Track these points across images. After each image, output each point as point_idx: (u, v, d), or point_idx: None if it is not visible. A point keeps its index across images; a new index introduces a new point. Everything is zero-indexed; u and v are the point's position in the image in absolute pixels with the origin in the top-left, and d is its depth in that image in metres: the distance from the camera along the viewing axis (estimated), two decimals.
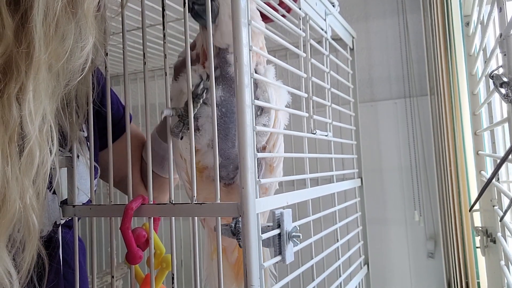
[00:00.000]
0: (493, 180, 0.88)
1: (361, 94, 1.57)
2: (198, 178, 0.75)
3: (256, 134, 0.58)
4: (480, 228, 1.00)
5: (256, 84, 0.70)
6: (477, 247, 1.08)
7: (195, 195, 0.61)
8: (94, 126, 0.73)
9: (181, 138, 0.66)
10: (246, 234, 0.56)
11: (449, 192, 1.31)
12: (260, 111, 0.72)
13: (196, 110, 0.64)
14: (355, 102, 1.33)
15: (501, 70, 0.52)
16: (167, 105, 0.65)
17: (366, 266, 1.32)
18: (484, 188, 0.62)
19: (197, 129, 0.70)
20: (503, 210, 0.65)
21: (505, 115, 0.55)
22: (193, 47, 0.74)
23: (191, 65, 0.61)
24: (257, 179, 0.60)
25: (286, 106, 0.77)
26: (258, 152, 0.69)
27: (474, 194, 1.24)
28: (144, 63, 0.65)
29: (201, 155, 0.73)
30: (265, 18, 0.84)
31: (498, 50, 0.51)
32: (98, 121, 0.77)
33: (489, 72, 0.54)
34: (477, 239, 1.04)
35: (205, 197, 0.74)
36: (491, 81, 0.53)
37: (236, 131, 0.70)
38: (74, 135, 0.70)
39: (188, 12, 0.65)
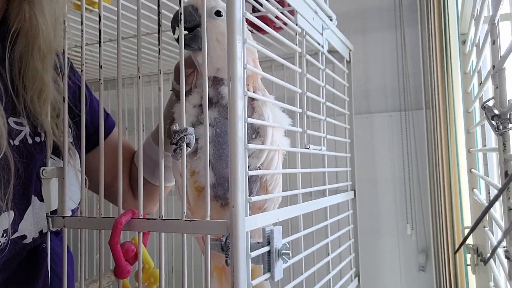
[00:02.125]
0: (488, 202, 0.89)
1: (356, 106, 1.58)
2: (196, 198, 0.75)
3: (249, 156, 0.58)
4: (471, 246, 1.00)
5: (253, 108, 0.71)
6: (468, 265, 1.08)
7: (185, 211, 0.61)
8: (81, 133, 0.72)
9: (175, 156, 0.65)
10: (235, 252, 0.56)
11: (441, 208, 1.31)
12: (255, 134, 0.72)
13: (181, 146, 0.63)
14: (350, 115, 1.33)
15: (492, 102, 0.53)
16: (159, 116, 0.65)
17: (357, 278, 1.32)
18: (473, 228, 0.63)
19: (195, 151, 0.70)
20: (496, 242, 0.65)
21: (496, 143, 0.55)
22: (188, 64, 0.74)
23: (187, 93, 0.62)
24: (248, 197, 0.60)
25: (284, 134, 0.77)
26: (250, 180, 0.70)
27: (466, 211, 1.24)
28: (139, 77, 0.65)
29: (199, 176, 0.73)
30: (261, 29, 0.85)
31: (490, 82, 0.51)
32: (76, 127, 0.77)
33: (482, 104, 0.54)
34: (468, 256, 1.04)
35: (202, 216, 0.74)
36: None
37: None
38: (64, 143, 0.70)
39: (177, 42, 0.67)
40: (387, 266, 1.61)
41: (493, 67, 0.52)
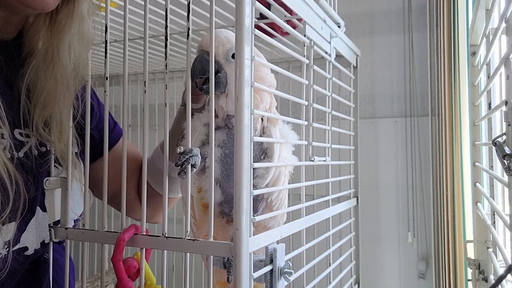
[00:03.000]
0: (490, 218, 0.88)
1: (362, 110, 1.57)
2: (202, 214, 0.75)
3: (255, 177, 0.58)
4: (473, 261, 1.00)
5: (262, 129, 0.70)
6: (468, 280, 1.08)
7: (189, 230, 0.60)
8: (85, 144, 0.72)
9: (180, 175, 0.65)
10: (238, 273, 0.56)
11: (444, 218, 1.31)
12: (264, 155, 0.71)
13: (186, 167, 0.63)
14: (355, 121, 1.32)
15: (504, 138, 0.52)
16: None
17: (357, 286, 1.32)
18: None
19: (203, 169, 0.70)
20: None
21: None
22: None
23: (197, 111, 0.64)
24: (252, 217, 0.59)
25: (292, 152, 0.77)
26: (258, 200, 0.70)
27: (469, 224, 1.24)
28: (145, 90, 0.65)
29: (206, 193, 0.73)
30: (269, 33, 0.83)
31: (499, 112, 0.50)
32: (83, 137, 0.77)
33: (493, 139, 0.53)
34: (469, 270, 1.04)
35: (207, 232, 0.74)
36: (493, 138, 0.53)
37: None
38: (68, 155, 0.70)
39: (196, 87, 0.68)
40: (387, 273, 1.62)
41: (506, 103, 0.50)
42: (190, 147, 0.60)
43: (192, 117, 0.69)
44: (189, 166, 0.59)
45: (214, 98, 0.59)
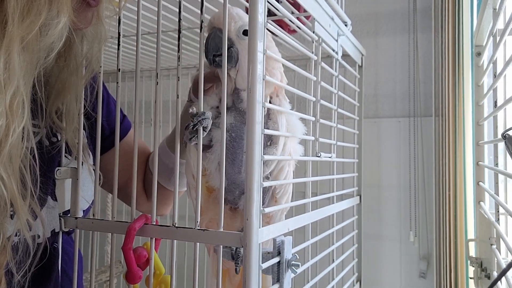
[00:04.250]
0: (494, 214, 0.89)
1: (365, 109, 1.57)
2: (206, 198, 0.76)
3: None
4: (475, 259, 1.01)
5: (268, 115, 0.71)
6: (470, 278, 1.09)
7: (199, 220, 0.61)
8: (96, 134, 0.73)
9: (190, 140, 0.65)
10: (247, 264, 0.56)
11: (446, 218, 1.32)
12: (270, 142, 0.72)
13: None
14: (360, 120, 1.33)
15: None
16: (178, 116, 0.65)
17: (358, 283, 1.33)
18: None
19: (208, 147, 0.71)
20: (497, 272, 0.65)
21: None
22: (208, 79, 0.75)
23: (206, 91, 0.63)
24: (261, 208, 0.60)
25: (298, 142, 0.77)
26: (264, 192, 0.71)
27: (471, 224, 1.25)
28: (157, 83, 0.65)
29: (209, 175, 0.74)
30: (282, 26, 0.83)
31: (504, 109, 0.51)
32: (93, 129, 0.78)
33: (502, 133, 0.54)
34: (471, 268, 1.05)
35: (210, 218, 0.75)
36: (500, 130, 0.54)
37: (243, 157, 0.70)
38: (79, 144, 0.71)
39: (211, 64, 0.69)
40: (388, 271, 1.62)
41: None
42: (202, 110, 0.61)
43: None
44: (201, 128, 0.60)
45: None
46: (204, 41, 0.67)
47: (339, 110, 1.07)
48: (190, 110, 0.61)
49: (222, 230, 0.59)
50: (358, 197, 1.33)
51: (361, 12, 1.71)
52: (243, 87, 0.71)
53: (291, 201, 0.83)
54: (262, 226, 0.61)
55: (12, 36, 0.53)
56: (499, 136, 0.59)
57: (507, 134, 0.54)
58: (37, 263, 0.68)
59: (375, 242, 1.64)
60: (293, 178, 0.83)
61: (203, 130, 0.62)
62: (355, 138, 1.30)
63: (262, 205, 0.75)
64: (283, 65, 0.74)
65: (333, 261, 1.05)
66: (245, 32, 0.70)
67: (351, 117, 1.26)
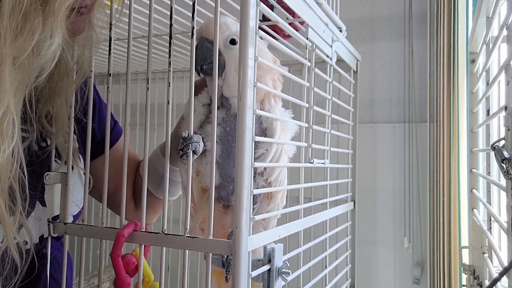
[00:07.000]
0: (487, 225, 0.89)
1: (360, 114, 1.58)
2: (200, 197, 0.76)
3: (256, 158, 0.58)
4: (468, 266, 1.01)
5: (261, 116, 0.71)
6: (463, 286, 1.08)
7: (188, 227, 0.61)
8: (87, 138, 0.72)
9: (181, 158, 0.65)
10: (236, 272, 0.56)
11: (439, 224, 1.31)
12: (264, 136, 0.72)
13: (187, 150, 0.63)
14: (354, 126, 1.33)
15: (502, 142, 0.53)
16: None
17: None
18: None
19: (204, 152, 0.70)
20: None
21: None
22: (201, 87, 0.75)
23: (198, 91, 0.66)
24: (251, 216, 0.60)
25: (291, 138, 0.77)
26: (255, 174, 0.71)
27: (464, 231, 1.24)
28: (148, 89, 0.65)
29: (203, 176, 0.73)
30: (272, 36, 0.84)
31: (501, 121, 0.51)
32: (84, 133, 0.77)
33: (492, 144, 0.54)
34: (464, 276, 1.05)
35: (204, 217, 0.74)
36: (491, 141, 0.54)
37: None
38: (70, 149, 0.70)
39: (199, 74, 0.70)
40: (382, 277, 1.62)
41: (506, 108, 0.51)
42: (191, 134, 0.61)
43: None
44: (190, 152, 0.60)
45: (212, 79, 0.59)
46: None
47: (334, 116, 1.06)
48: (183, 134, 0.61)
49: (211, 237, 0.58)
50: (352, 202, 1.32)
51: (357, 17, 1.71)
52: (229, 95, 0.71)
53: (285, 206, 0.82)
54: (257, 230, 0.61)
55: (4, 55, 0.52)
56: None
57: (496, 145, 0.54)
58: (26, 271, 0.67)
59: (369, 248, 1.63)
60: (287, 183, 0.83)
61: (193, 153, 0.61)
62: (349, 143, 1.30)
63: (254, 204, 0.75)
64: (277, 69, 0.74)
65: (326, 267, 1.04)
66: (232, 42, 0.70)
67: (346, 123, 1.26)
